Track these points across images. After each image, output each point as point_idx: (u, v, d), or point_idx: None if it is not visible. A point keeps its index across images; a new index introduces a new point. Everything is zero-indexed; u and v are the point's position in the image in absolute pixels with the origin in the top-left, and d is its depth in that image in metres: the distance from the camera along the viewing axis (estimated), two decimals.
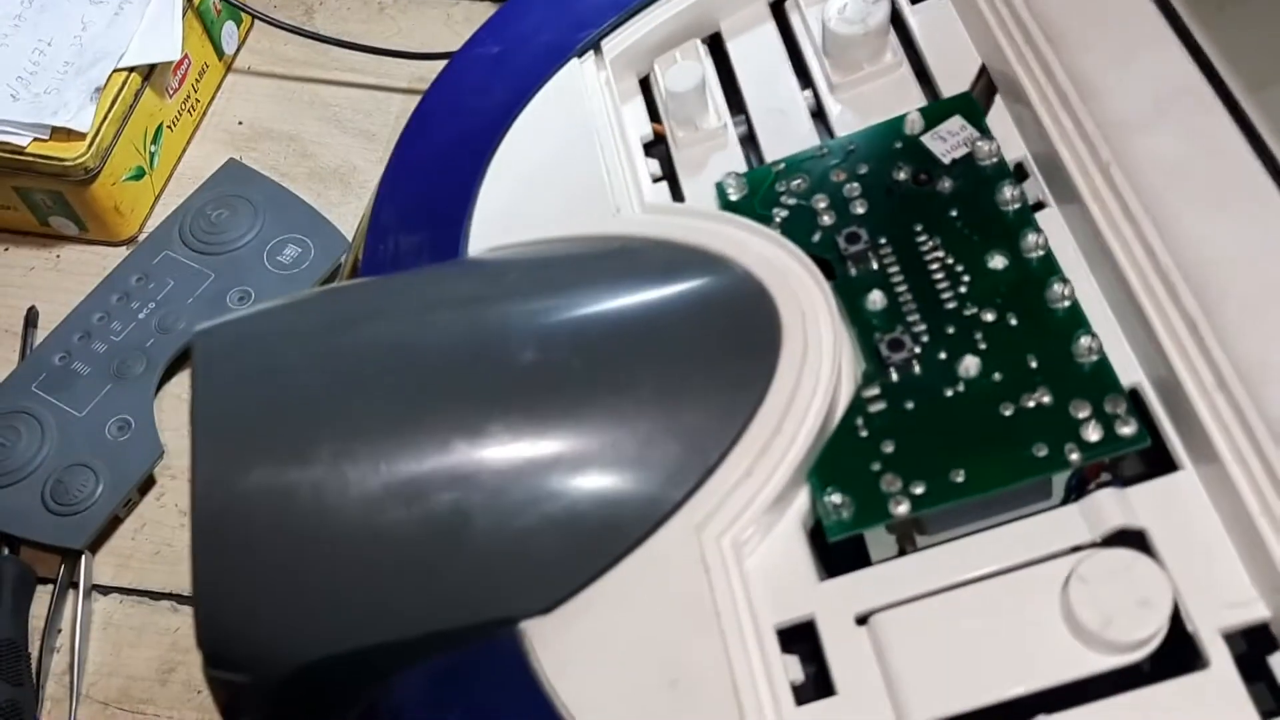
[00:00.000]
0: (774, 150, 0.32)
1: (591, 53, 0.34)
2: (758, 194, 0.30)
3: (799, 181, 0.30)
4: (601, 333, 0.27)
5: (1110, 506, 0.24)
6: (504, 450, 0.25)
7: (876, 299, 0.28)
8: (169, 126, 0.54)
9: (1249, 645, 0.23)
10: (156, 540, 0.45)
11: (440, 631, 0.24)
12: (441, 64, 0.53)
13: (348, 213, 0.52)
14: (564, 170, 0.32)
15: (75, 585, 0.44)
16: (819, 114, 0.32)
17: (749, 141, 0.32)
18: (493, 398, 0.25)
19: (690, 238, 0.29)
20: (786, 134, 0.32)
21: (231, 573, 0.25)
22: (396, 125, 0.55)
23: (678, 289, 0.28)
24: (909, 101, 0.31)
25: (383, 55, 0.55)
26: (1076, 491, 0.26)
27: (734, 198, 0.30)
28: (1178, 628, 0.23)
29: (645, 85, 0.35)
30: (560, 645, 0.25)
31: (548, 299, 0.28)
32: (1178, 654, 0.23)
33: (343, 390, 0.26)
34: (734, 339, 0.27)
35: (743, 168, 0.32)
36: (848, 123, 0.32)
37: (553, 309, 0.27)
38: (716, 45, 0.35)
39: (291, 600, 0.25)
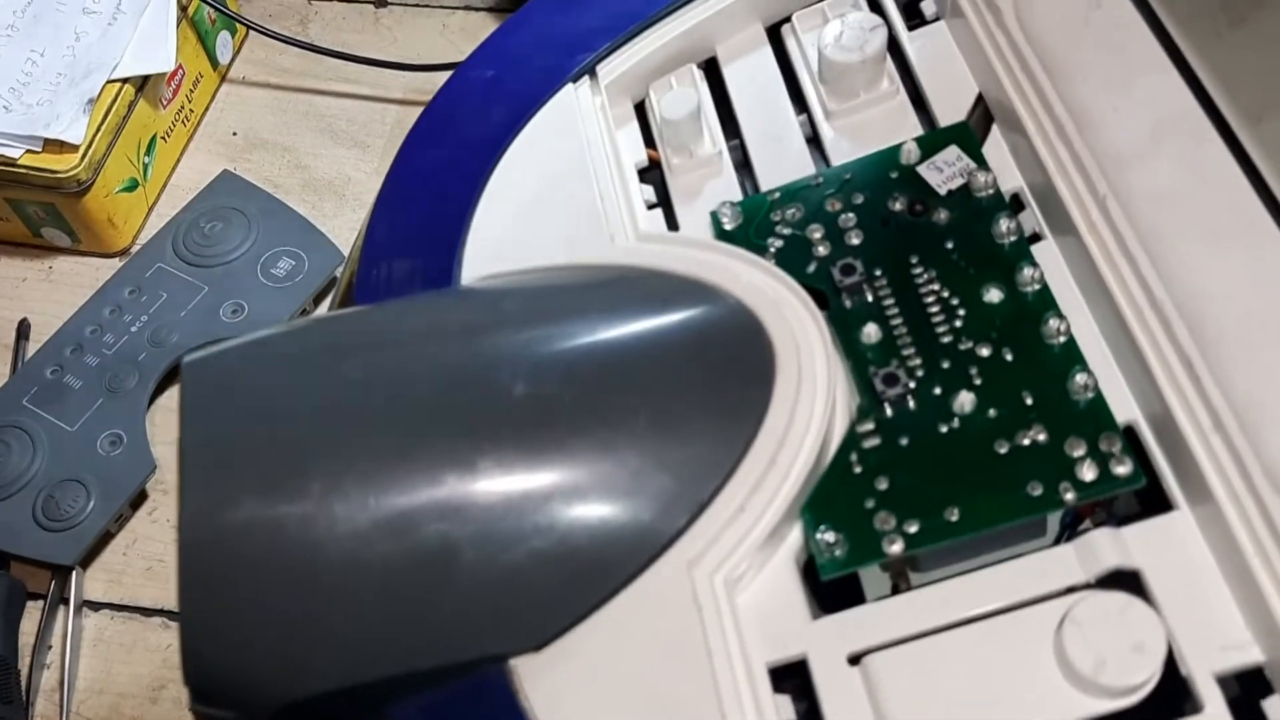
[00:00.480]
0: (769, 178, 0.31)
1: (587, 77, 0.34)
2: (753, 223, 0.30)
3: (794, 211, 0.30)
4: (593, 365, 0.27)
5: (1105, 547, 0.24)
6: (494, 484, 0.25)
7: (871, 332, 0.28)
8: (163, 138, 0.54)
9: (1243, 689, 0.23)
10: (148, 556, 0.45)
11: (429, 670, 0.24)
12: (437, 75, 0.54)
13: (342, 225, 0.52)
14: (558, 196, 0.32)
15: (66, 601, 0.44)
16: (815, 141, 0.32)
17: (744, 168, 0.32)
18: (483, 431, 0.25)
19: (684, 268, 0.29)
20: (782, 161, 0.32)
21: (217, 608, 0.25)
22: (391, 136, 0.55)
23: (671, 320, 0.28)
24: (905, 130, 0.31)
25: (378, 66, 0.55)
26: (1070, 530, 0.25)
27: (728, 227, 0.30)
28: (1172, 670, 0.23)
29: (640, 110, 0.35)
30: (550, 683, 0.24)
31: (539, 330, 0.27)
32: (1171, 697, 0.23)
33: (332, 423, 0.26)
34: (727, 371, 0.27)
35: (738, 195, 0.32)
36: (843, 151, 0.31)
37: (544, 340, 0.27)
38: (712, 70, 0.35)
39: (278, 637, 0.25)
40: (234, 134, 0.56)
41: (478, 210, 0.32)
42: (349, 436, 0.26)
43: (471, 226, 0.32)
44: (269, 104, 0.57)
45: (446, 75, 0.35)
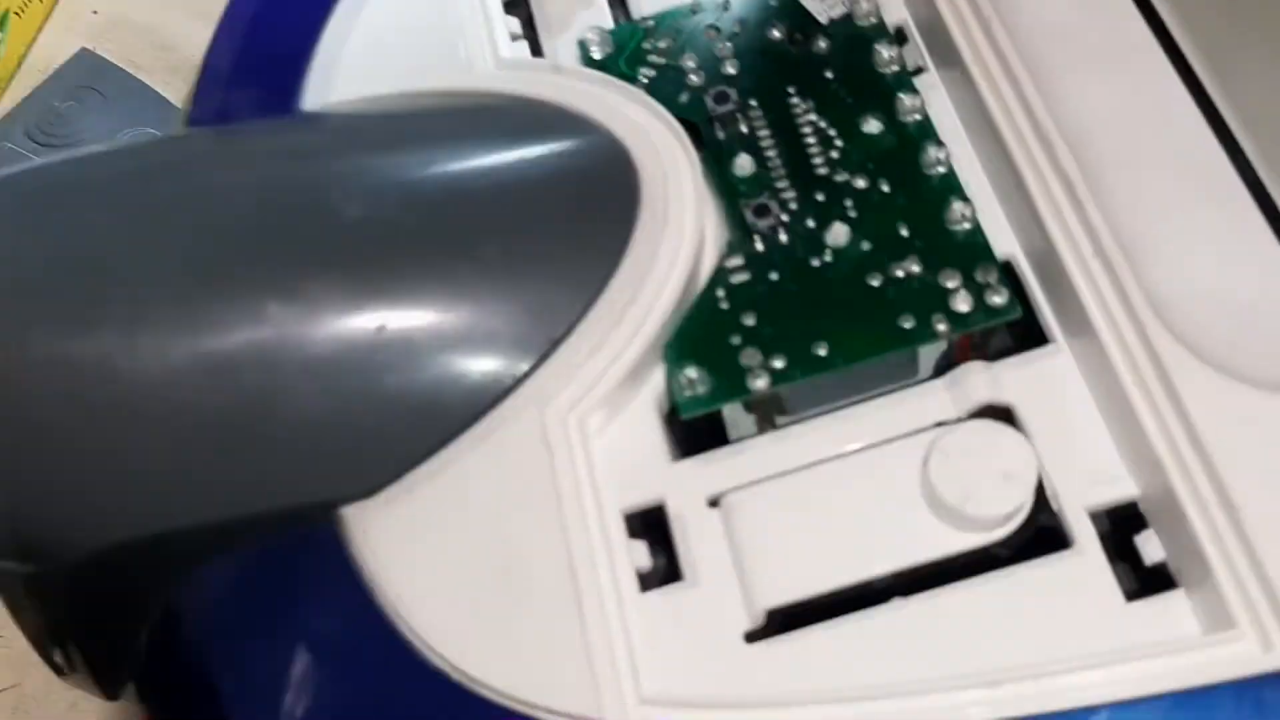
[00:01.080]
0: (642, 6, 0.29)
1: None
2: (623, 53, 0.28)
3: (668, 40, 0.28)
4: (438, 189, 0.24)
5: (976, 381, 0.23)
6: (321, 315, 0.23)
7: (744, 164, 0.26)
8: (16, 13, 0.50)
9: (1116, 525, 0.22)
10: None
11: (247, 516, 0.22)
12: None
13: None
14: (412, 22, 0.29)
15: None
16: None
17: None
18: (310, 257, 0.23)
19: (545, 94, 0.27)
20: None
21: (11, 449, 0.22)
22: None
23: (528, 146, 0.25)
24: None
25: None
26: (944, 369, 0.24)
27: (597, 56, 0.28)
28: (1043, 506, 0.21)
29: None
30: (382, 532, 0.22)
31: (380, 154, 0.25)
32: (1043, 536, 0.22)
33: (142, 249, 0.23)
34: (588, 201, 0.25)
35: (609, 24, 0.29)
36: None
37: (385, 164, 0.25)
38: None
39: (81, 479, 0.22)
40: (94, 12, 0.52)
41: (323, 36, 0.29)
42: (160, 262, 0.23)
43: (316, 52, 0.29)
44: None
45: None
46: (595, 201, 0.25)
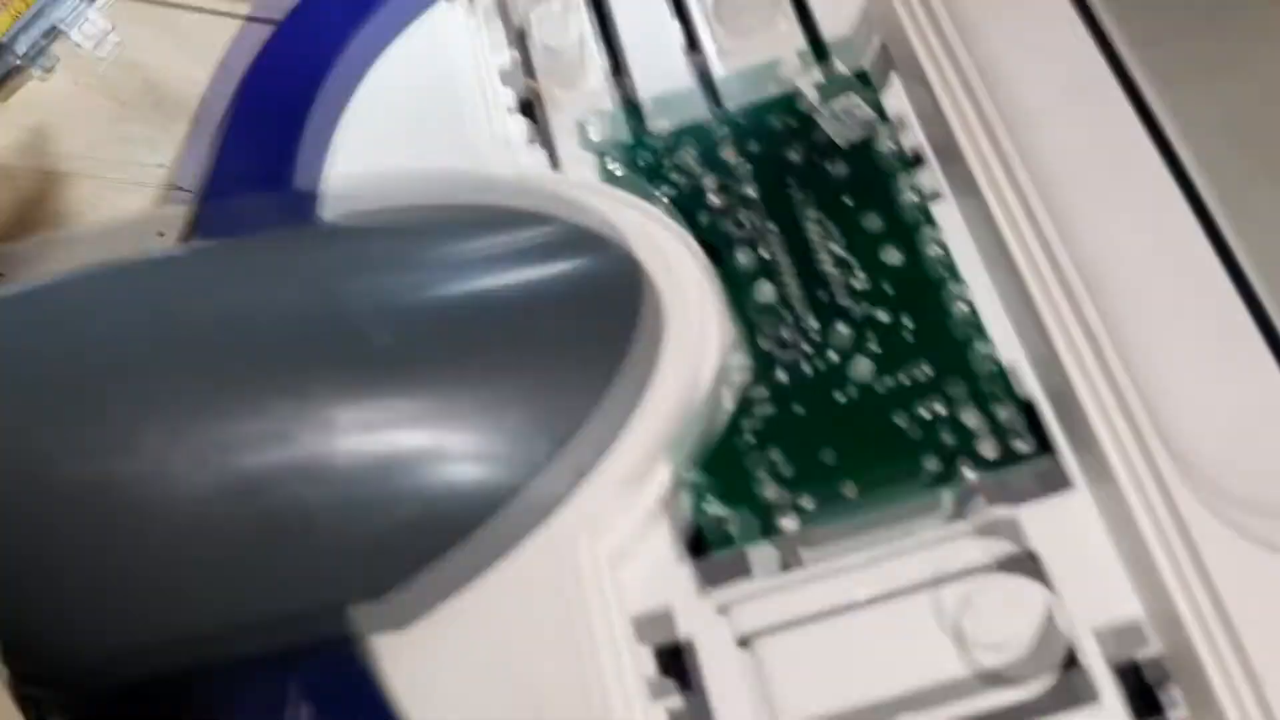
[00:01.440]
0: (659, 118, 0.29)
1: None
2: (641, 167, 0.28)
3: (686, 156, 0.28)
4: (461, 310, 0.24)
5: (1001, 527, 0.23)
6: (330, 422, 0.22)
7: (766, 291, 0.26)
8: None
9: (1139, 678, 0.22)
10: None
11: (266, 620, 0.22)
12: None
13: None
14: (428, 125, 0.29)
15: None
16: (707, 81, 0.30)
17: (631, 107, 0.30)
18: (331, 378, 0.23)
19: (568, 212, 0.27)
20: (672, 100, 0.29)
21: (35, 573, 0.22)
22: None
23: (553, 268, 0.25)
24: (803, 76, 0.29)
25: None
26: (964, 503, 0.24)
27: (615, 170, 0.28)
28: (1070, 661, 0.22)
29: (520, 36, 0.32)
30: (414, 664, 0.22)
31: (394, 273, 0.25)
32: (1069, 688, 0.22)
33: (170, 367, 0.23)
34: (612, 328, 0.25)
35: (625, 136, 0.29)
36: (737, 93, 0.29)
37: (402, 284, 0.24)
38: None
39: (103, 601, 0.22)
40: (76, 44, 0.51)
41: (336, 136, 0.29)
42: (187, 383, 0.23)
43: (330, 154, 0.29)
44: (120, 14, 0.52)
45: None
46: (620, 331, 0.25)
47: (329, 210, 0.27)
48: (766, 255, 0.26)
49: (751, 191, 0.27)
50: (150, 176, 0.39)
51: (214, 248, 0.26)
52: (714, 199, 0.27)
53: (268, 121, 0.29)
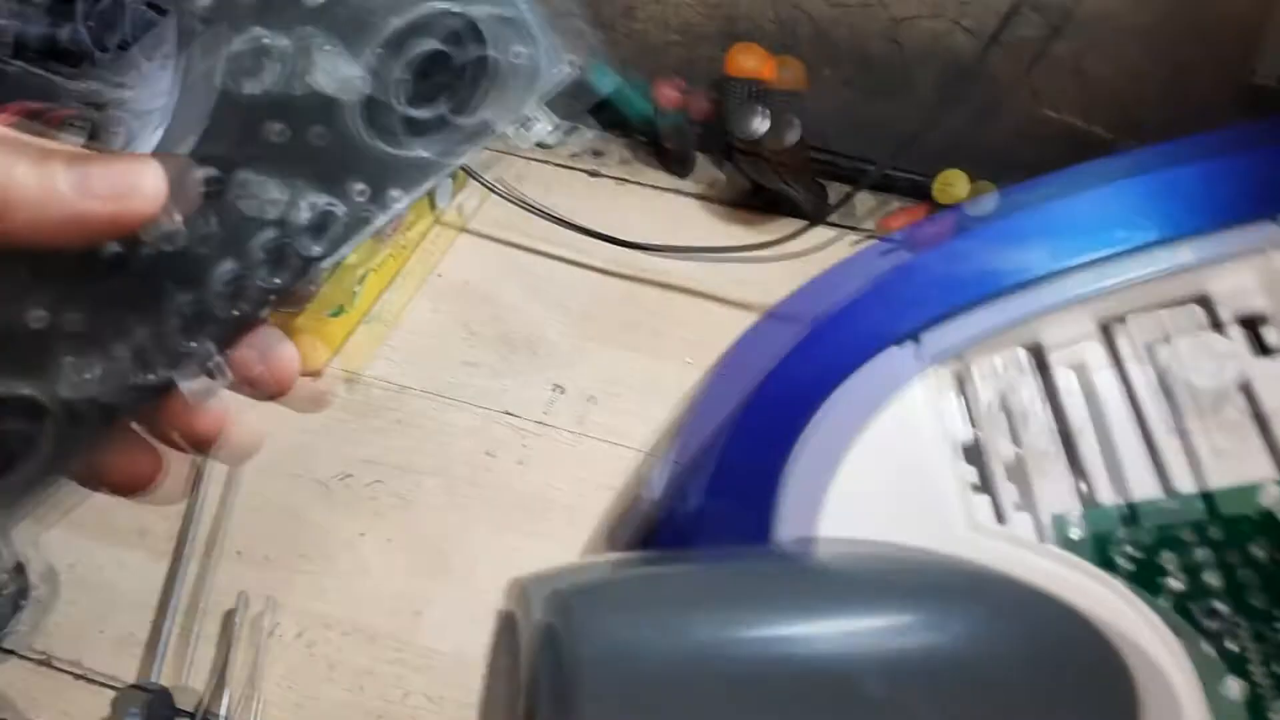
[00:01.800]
0: (1106, 488, 0.30)
1: (910, 341, 0.34)
2: (1100, 538, 0.29)
3: (1144, 533, 0.29)
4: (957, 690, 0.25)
5: None
6: None
7: (1234, 688, 0.26)
8: (374, 270, 0.54)
9: None
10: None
11: None
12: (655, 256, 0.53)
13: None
14: (880, 463, 0.31)
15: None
16: (1156, 459, 0.31)
17: (1077, 470, 0.31)
18: None
19: (1036, 579, 0.28)
20: (1120, 472, 0.31)
21: None
22: (591, 299, 0.54)
23: (1036, 646, 0.26)
24: (1257, 465, 0.30)
25: (597, 239, 0.54)
26: None
27: (1074, 536, 0.29)
28: None
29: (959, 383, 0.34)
30: None
31: (898, 636, 0.26)
32: None
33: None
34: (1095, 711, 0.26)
35: (1071, 497, 0.30)
36: (1186, 473, 0.30)
37: (904, 648, 0.26)
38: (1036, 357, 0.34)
39: None
40: (439, 275, 0.57)
41: (794, 462, 0.31)
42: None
43: (787, 481, 0.31)
44: (477, 250, 0.57)
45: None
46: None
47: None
48: (1236, 649, 0.27)
49: (1213, 580, 0.28)
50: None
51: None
52: (1173, 582, 0.28)
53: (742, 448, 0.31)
